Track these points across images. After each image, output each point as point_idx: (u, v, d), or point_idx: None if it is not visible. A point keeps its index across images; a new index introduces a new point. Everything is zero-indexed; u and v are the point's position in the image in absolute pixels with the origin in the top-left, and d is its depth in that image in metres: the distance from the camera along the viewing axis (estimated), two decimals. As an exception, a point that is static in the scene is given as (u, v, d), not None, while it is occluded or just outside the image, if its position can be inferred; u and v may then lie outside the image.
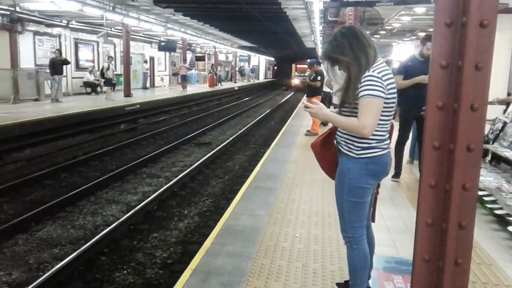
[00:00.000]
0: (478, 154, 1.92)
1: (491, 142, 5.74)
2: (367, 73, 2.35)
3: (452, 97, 2.04)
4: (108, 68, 16.71)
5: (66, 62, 15.35)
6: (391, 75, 2.41)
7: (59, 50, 15.56)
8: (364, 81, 2.33)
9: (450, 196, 2.12)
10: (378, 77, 2.33)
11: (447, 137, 2.04)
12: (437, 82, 2.23)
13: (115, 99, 16.56)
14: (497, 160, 5.49)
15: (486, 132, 6.67)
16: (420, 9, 11.48)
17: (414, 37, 18.44)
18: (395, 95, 2.43)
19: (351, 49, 2.37)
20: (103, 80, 17.52)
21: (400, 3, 6.24)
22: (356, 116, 2.37)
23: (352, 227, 2.52)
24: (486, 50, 1.94)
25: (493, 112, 7.11)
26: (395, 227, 4.10)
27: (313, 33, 23.59)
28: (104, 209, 6.89)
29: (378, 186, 2.66)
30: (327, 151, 2.64)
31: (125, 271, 4.92)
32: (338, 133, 2.54)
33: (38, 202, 7.04)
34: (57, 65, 14.60)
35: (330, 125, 4.11)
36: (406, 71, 5.62)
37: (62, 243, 5.59)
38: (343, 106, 2.46)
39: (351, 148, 2.45)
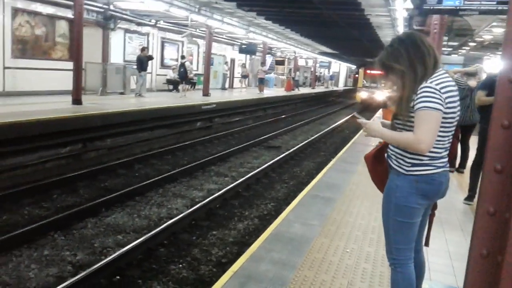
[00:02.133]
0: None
1: None
2: (424, 84, 2.17)
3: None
4: (181, 67, 17.18)
5: (151, 58, 16.15)
6: (452, 87, 2.21)
7: (146, 47, 16.43)
8: (420, 93, 2.15)
9: (510, 226, 1.91)
10: (436, 89, 2.14)
11: (511, 160, 1.85)
12: (504, 99, 2.02)
13: (191, 97, 17.13)
14: None
15: None
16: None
17: (509, 51, 17.08)
18: (456, 109, 2.23)
19: (407, 57, 2.21)
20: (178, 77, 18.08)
21: (487, 13, 5.79)
22: (410, 130, 2.21)
23: (397, 249, 2.34)
24: None
25: None
26: (458, 254, 3.79)
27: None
28: (170, 202, 7.13)
29: (435, 207, 2.46)
30: (379, 164, 2.49)
31: (180, 265, 5.03)
32: (390, 146, 2.39)
33: (111, 190, 7.46)
34: (143, 62, 15.42)
35: None
36: (491, 86, 5.20)
37: (127, 230, 5.86)
38: (397, 119, 2.30)
39: (401, 164, 2.28)
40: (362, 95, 28.96)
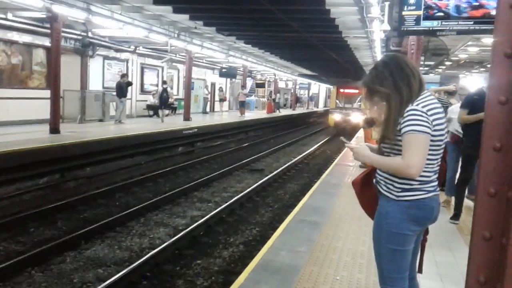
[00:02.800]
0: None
1: None
2: (410, 107, 2.12)
3: (512, 136, 1.79)
4: (164, 92, 17.07)
5: (130, 83, 16.04)
6: (439, 109, 2.16)
7: (125, 74, 16.33)
8: (406, 116, 2.10)
9: (507, 252, 1.85)
10: (422, 111, 2.09)
11: (506, 184, 1.79)
12: (494, 120, 1.97)
13: (173, 122, 17.00)
14: None
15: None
16: (488, 40, 10.90)
17: (483, 69, 17.54)
18: (443, 131, 2.18)
19: (392, 79, 2.16)
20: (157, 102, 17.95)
21: (464, 33, 5.88)
22: (397, 154, 2.15)
23: (391, 278, 2.25)
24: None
25: None
26: (449, 276, 3.71)
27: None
28: (152, 231, 6.93)
29: (426, 232, 2.38)
30: (368, 189, 2.41)
31: (164, 298, 4.84)
32: (378, 171, 2.32)
33: (90, 221, 7.23)
34: (123, 88, 15.29)
35: None
36: (473, 105, 5.23)
37: (107, 263, 5.64)
38: (384, 143, 2.24)
39: (390, 189, 2.21)
40: (336, 117, 24.41)
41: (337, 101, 25.07)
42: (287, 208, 8.61)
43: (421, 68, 15.73)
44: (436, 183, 2.23)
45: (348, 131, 21.54)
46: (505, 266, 1.81)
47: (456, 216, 5.38)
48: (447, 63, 16.87)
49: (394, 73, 2.17)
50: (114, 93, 15.83)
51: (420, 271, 2.42)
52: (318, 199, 6.51)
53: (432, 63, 17.24)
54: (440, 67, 18.67)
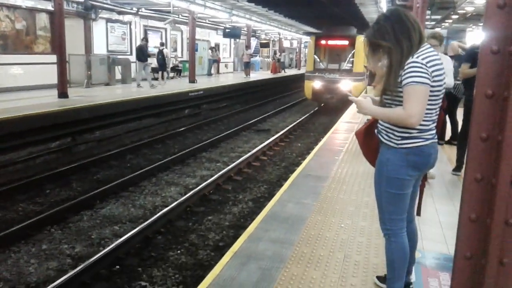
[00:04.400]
0: (529, 148, 1.79)
1: None
2: (410, 59, 2.22)
3: (504, 85, 1.91)
4: (159, 54, 16.80)
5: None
6: (438, 61, 2.26)
7: (145, 37, 16.32)
8: (407, 68, 2.20)
9: (497, 190, 1.99)
10: (422, 63, 2.19)
11: (496, 128, 1.91)
12: (487, 69, 2.07)
13: (177, 84, 17.01)
14: None
15: None
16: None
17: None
18: (442, 82, 2.29)
19: (393, 33, 2.25)
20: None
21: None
22: (399, 105, 2.26)
23: (390, 219, 2.42)
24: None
25: None
26: (448, 223, 3.89)
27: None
28: (164, 191, 7.17)
29: (425, 178, 2.53)
30: (371, 139, 2.55)
31: (178, 251, 5.10)
32: (379, 122, 2.44)
33: (104, 181, 7.47)
34: (144, 51, 15.29)
35: None
36: (474, 58, 5.26)
37: (123, 221, 5.90)
38: (385, 95, 2.35)
39: (391, 138, 2.34)
40: (315, 85, 16.12)
41: (317, 58, 16.81)
42: (294, 166, 8.80)
43: (427, 23, 15.44)
44: (434, 131, 2.36)
45: (334, 106, 16.02)
46: (494, 203, 1.98)
47: (458, 168, 5.52)
48: (454, 16, 16.51)
49: (395, 26, 2.26)
50: (120, 56, 15.81)
51: (418, 213, 2.59)
52: (324, 155, 6.67)
53: (438, 17, 16.90)
54: (446, 21, 18.30)
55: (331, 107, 16.50)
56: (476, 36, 18.60)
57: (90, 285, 4.30)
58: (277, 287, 2.80)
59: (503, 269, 2.02)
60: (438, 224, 3.88)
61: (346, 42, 16.46)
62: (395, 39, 2.24)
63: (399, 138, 2.31)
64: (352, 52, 16.16)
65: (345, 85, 15.41)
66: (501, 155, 1.91)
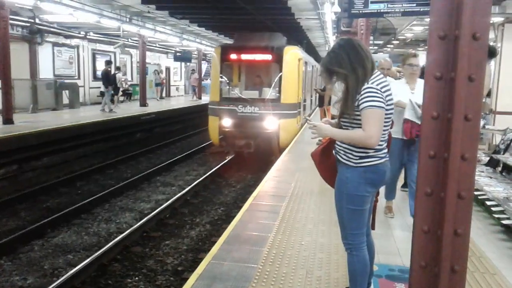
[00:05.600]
0: (472, 163, 1.97)
1: (502, 152, 5.71)
2: (366, 85, 2.41)
3: (447, 107, 2.10)
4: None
5: (118, 69, 15.75)
6: (388, 87, 2.47)
7: (110, 60, 16.17)
8: (364, 93, 2.39)
9: (445, 204, 2.17)
10: (377, 89, 2.40)
11: (442, 147, 2.09)
12: (432, 93, 2.29)
13: (128, 108, 16.78)
14: (508, 170, 5.46)
15: (497, 142, 6.62)
16: (432, 19, 11.43)
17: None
18: (392, 106, 2.50)
19: (349, 61, 2.43)
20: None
21: (408, 14, 6.31)
22: (356, 127, 2.44)
23: (352, 234, 2.57)
24: (479, 62, 2.00)
25: (504, 122, 7.08)
26: (401, 236, 4.11)
27: (327, 43, 23.66)
28: (118, 217, 7.02)
29: (377, 194, 2.71)
30: (327, 160, 2.71)
31: (136, 278, 5.02)
32: (337, 143, 2.60)
33: (54, 209, 7.21)
34: (109, 76, 14.98)
35: None
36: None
37: (77, 249, 5.72)
38: (343, 117, 2.52)
39: (349, 158, 2.50)
40: (224, 123, 10.79)
41: (224, 81, 11.32)
42: (250, 187, 8.89)
43: (370, 47, 16.26)
44: (386, 150, 2.57)
45: (259, 156, 10.72)
46: (443, 215, 2.15)
47: (406, 185, 5.80)
48: (395, 42, 17.55)
49: (350, 54, 2.44)
50: (67, 81, 15.44)
51: (373, 227, 2.76)
52: (281, 175, 6.81)
53: (380, 42, 17.87)
54: (388, 46, 19.38)
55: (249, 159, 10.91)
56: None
57: (44, 318, 4.14)
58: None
59: (455, 276, 2.19)
60: (392, 238, 4.08)
61: (269, 57, 10.94)
62: (351, 67, 2.42)
63: (358, 158, 2.47)
64: (280, 73, 10.70)
65: (270, 123, 10.44)
66: (447, 171, 2.09)
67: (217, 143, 11.19)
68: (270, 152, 10.50)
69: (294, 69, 10.91)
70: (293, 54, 10.97)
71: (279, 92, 10.72)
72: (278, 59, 10.72)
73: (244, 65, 12.01)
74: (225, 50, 11.29)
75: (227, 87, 11.30)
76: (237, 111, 10.64)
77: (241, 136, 10.63)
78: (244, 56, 11.16)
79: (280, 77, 10.71)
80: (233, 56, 11.13)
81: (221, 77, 11.19)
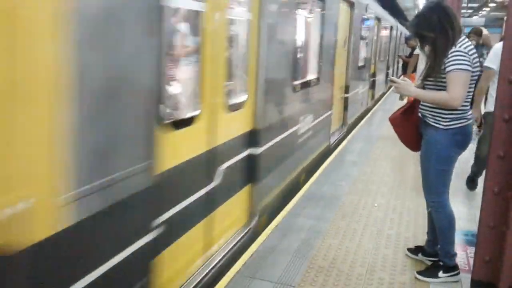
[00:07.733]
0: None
1: None
2: (454, 49, 2.50)
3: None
4: None
5: None
6: (474, 50, 2.55)
7: None
8: (452, 56, 2.48)
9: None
10: (465, 52, 2.49)
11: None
12: (504, 96, 2.38)
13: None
14: None
15: None
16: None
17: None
18: (478, 68, 2.57)
19: (439, 23, 2.53)
20: None
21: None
22: (440, 89, 2.55)
23: (438, 193, 2.74)
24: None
25: None
26: (478, 203, 4.10)
27: (416, 8, 22.45)
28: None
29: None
30: (407, 124, 2.83)
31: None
32: (422, 106, 2.72)
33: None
34: None
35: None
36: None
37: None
38: (427, 80, 2.63)
39: (438, 120, 2.63)
40: None
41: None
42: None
43: (463, 11, 15.23)
44: (470, 112, 2.68)
45: None
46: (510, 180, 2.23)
47: None
48: (491, 4, 16.19)
49: (441, 18, 2.54)
50: None
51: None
52: (358, 142, 6.86)
53: (475, 5, 16.62)
54: (484, 9, 17.94)
55: None
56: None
57: None
58: (316, 254, 3.10)
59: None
60: (469, 205, 4.14)
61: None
62: (441, 29, 2.52)
63: (447, 120, 2.60)
64: None
65: None
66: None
67: None
68: None
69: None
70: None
71: None
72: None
73: None
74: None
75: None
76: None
77: None
78: None
79: None
80: None
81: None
